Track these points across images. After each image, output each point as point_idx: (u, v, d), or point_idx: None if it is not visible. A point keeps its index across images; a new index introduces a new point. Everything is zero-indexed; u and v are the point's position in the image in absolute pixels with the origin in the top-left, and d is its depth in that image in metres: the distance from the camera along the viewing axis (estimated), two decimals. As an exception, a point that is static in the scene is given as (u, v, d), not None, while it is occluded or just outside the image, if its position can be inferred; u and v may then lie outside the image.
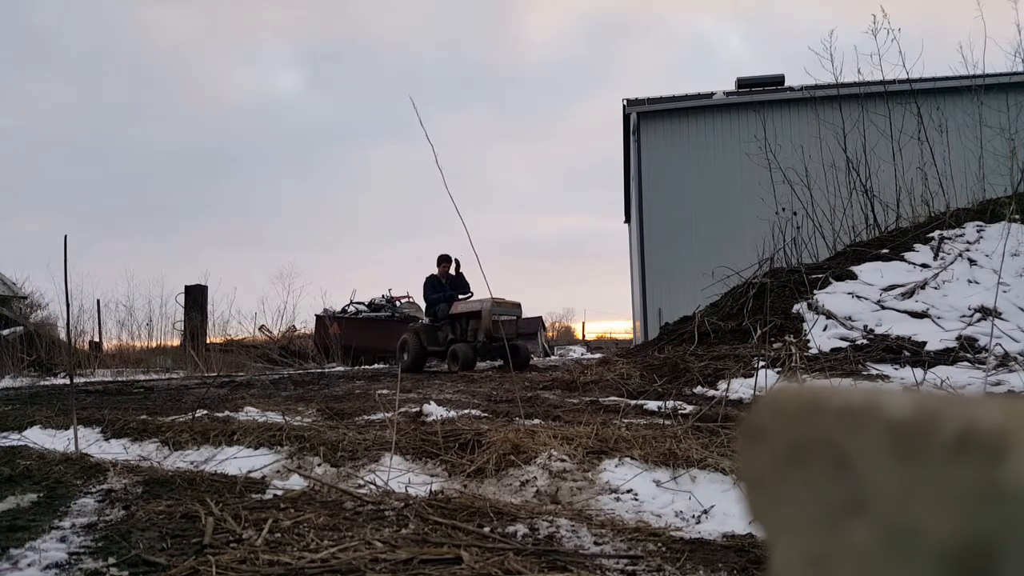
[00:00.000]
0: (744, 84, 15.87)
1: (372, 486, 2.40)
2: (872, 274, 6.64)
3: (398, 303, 18.24)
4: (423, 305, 10.69)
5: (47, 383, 9.23)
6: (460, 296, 10.16)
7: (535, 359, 11.09)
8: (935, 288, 6.16)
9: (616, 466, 2.50)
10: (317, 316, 15.28)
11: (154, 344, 14.46)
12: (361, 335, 14.94)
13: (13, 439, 3.54)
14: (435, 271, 10.38)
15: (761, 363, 4.98)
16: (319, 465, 2.72)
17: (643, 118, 15.45)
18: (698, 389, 4.88)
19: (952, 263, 6.45)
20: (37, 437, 3.66)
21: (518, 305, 9.75)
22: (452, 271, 10.30)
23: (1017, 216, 6.84)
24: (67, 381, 8.23)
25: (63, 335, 12.09)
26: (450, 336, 9.67)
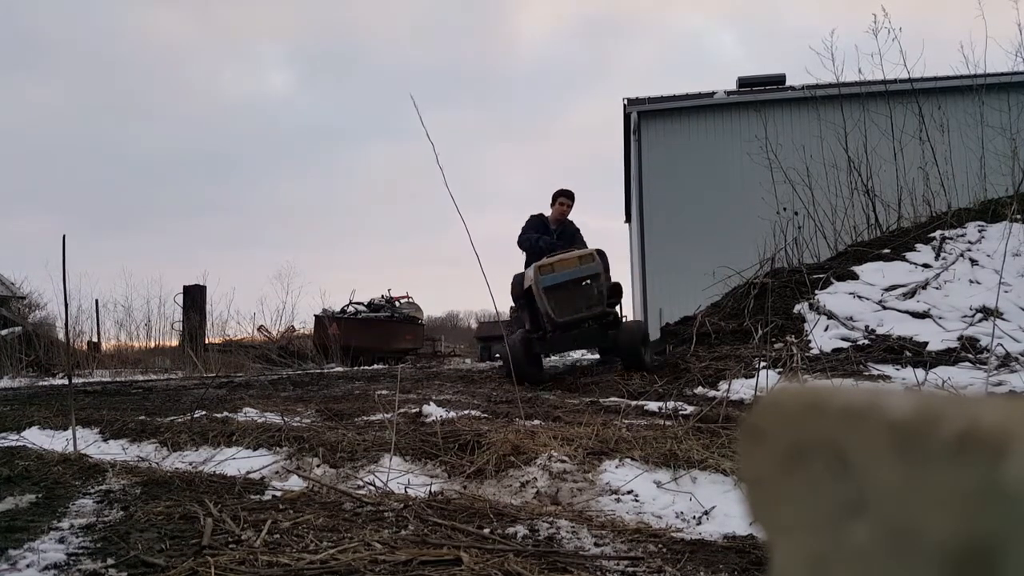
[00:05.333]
0: (745, 83, 15.88)
1: (371, 487, 2.40)
2: (873, 274, 6.63)
3: (397, 303, 18.27)
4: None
5: (45, 383, 9.22)
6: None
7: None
8: (936, 288, 6.16)
9: (617, 467, 2.50)
10: (316, 316, 15.29)
11: (153, 344, 14.45)
12: (360, 335, 14.95)
13: (12, 439, 3.54)
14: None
15: (762, 363, 4.98)
16: (318, 466, 2.72)
17: (644, 117, 15.45)
18: (699, 390, 4.88)
19: (954, 263, 6.45)
20: (36, 437, 3.66)
21: (591, 256, 5.86)
22: (564, 216, 6.86)
23: (1019, 216, 6.84)
24: (65, 381, 8.23)
25: (61, 335, 12.09)
26: (527, 325, 6.35)
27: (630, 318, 7.39)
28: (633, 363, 5.61)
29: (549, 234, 6.69)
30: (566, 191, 6.87)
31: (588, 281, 5.81)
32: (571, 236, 6.78)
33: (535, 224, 6.75)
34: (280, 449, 2.94)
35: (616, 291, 6.29)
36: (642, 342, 5.80)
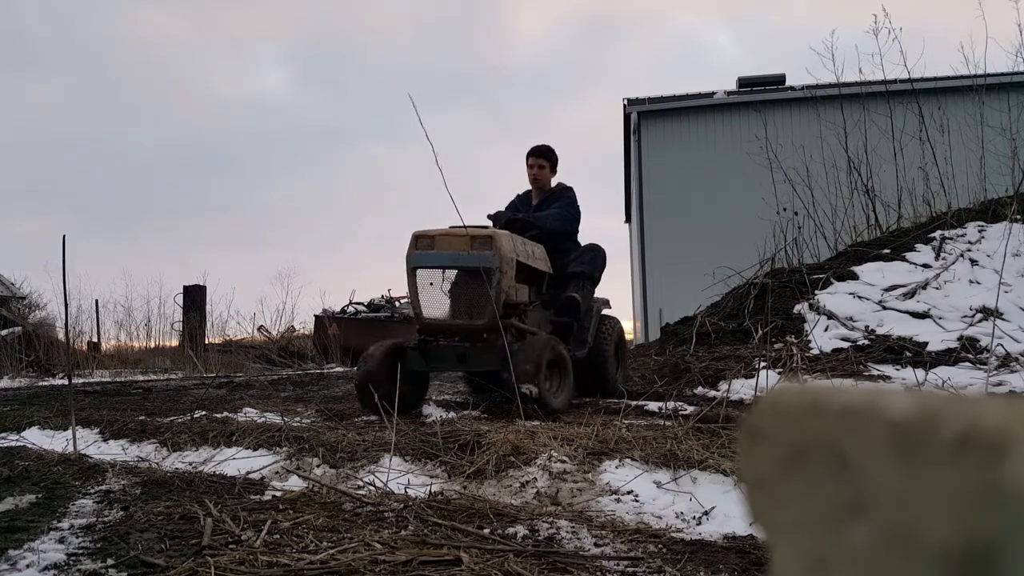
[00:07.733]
0: (745, 83, 15.89)
1: (371, 487, 2.40)
2: (873, 274, 6.63)
3: (397, 303, 18.26)
4: None
5: (45, 384, 9.21)
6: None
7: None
8: (936, 288, 6.16)
9: (617, 467, 2.50)
10: (316, 316, 15.28)
11: (153, 345, 14.44)
12: (361, 336, 14.92)
13: (11, 440, 3.54)
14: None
15: (762, 364, 4.97)
16: (318, 466, 2.72)
17: (643, 117, 15.46)
18: (699, 390, 4.87)
19: (954, 263, 6.45)
20: (35, 438, 3.66)
21: (489, 240, 3.91)
22: (544, 182, 4.95)
23: (1019, 216, 6.84)
24: (65, 382, 8.23)
25: (61, 335, 12.09)
26: None
27: (625, 318, 5.41)
28: (528, 399, 3.60)
29: (527, 211, 4.85)
30: (534, 148, 4.94)
31: (480, 270, 3.85)
32: (546, 205, 4.85)
33: (515, 203, 5.08)
34: (280, 449, 2.94)
35: (569, 307, 4.50)
36: (549, 365, 3.82)
